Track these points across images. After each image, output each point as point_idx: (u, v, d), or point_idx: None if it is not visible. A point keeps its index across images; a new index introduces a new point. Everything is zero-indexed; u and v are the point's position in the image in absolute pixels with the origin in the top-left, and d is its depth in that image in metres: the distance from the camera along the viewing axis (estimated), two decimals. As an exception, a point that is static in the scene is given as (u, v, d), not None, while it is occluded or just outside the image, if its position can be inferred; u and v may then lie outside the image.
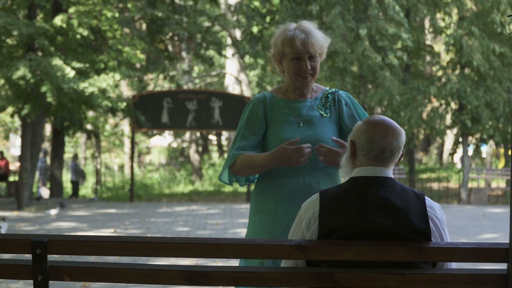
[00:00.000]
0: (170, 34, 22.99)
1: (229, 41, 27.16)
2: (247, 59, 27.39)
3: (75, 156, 25.40)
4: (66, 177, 27.84)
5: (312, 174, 3.24)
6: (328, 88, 3.40)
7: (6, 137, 37.52)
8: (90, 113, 25.81)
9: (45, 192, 22.51)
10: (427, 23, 26.58)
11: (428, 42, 25.67)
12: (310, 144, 3.18)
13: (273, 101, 3.34)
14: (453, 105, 22.91)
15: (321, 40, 3.28)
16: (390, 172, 2.64)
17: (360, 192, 2.57)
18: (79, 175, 24.12)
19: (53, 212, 15.61)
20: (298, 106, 3.32)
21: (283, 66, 3.32)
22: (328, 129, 3.30)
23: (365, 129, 2.65)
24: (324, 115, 3.32)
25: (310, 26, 3.30)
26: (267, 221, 3.25)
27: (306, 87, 3.30)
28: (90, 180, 29.69)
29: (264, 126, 3.32)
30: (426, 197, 2.60)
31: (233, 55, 27.15)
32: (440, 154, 38.73)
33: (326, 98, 3.37)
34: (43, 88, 16.31)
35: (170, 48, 24.29)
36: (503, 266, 2.39)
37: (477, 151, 24.14)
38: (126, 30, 19.90)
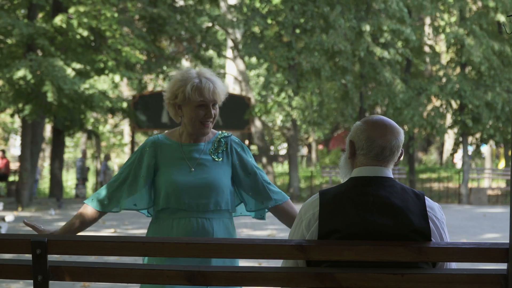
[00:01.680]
0: (171, 34, 23.00)
1: (229, 41, 27.14)
2: (247, 59, 27.38)
3: (107, 157, 24.90)
4: (66, 177, 27.82)
5: (204, 216, 3.24)
6: (220, 132, 3.43)
7: (6, 140, 37.51)
8: (90, 114, 25.77)
9: (80, 192, 22.45)
10: (427, 23, 26.57)
11: (429, 42, 25.67)
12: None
13: (166, 144, 3.35)
14: (454, 105, 22.91)
15: (223, 89, 3.33)
16: (389, 172, 2.64)
17: (360, 192, 2.56)
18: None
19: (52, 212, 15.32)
20: (190, 150, 3.32)
21: (181, 111, 3.31)
22: (220, 172, 3.30)
23: (364, 129, 2.64)
24: (216, 159, 3.32)
25: (211, 74, 3.34)
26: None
27: (205, 134, 3.33)
28: (90, 180, 29.67)
29: (152, 170, 3.31)
30: (425, 197, 2.59)
31: (235, 57, 27.14)
32: (440, 154, 38.73)
33: (219, 142, 3.38)
34: (44, 88, 16.31)
35: (170, 48, 24.28)
36: (503, 266, 2.39)
37: (477, 151, 24.13)
38: (126, 30, 19.91)
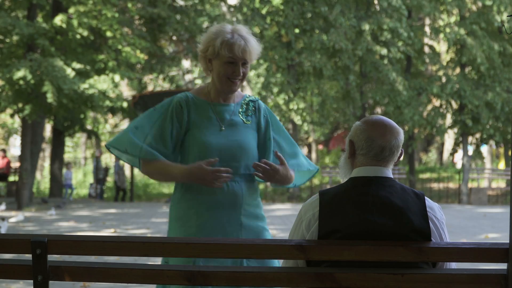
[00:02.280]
0: (171, 34, 22.99)
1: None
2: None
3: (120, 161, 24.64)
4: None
5: (234, 180, 3.17)
6: (247, 94, 3.35)
7: (6, 140, 37.51)
8: (91, 114, 25.78)
9: (94, 191, 22.39)
10: (427, 23, 26.58)
11: (429, 42, 25.68)
12: (230, 169, 3.13)
13: (196, 103, 3.25)
14: (454, 105, 22.92)
15: (256, 48, 3.26)
16: (389, 172, 2.64)
17: (360, 192, 2.56)
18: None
19: (17, 218, 14.43)
20: (221, 110, 3.25)
21: (211, 65, 3.23)
22: (249, 136, 3.24)
23: (364, 129, 2.64)
24: (246, 121, 3.27)
25: (246, 31, 3.27)
26: (191, 226, 3.15)
27: (232, 92, 3.25)
28: (89, 180, 29.68)
29: (183, 130, 3.22)
30: (425, 197, 2.59)
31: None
32: (440, 154, 38.73)
33: (247, 105, 3.31)
34: (44, 89, 16.31)
35: (170, 48, 24.27)
36: (503, 266, 2.39)
37: (477, 151, 24.14)
38: (126, 29, 19.91)
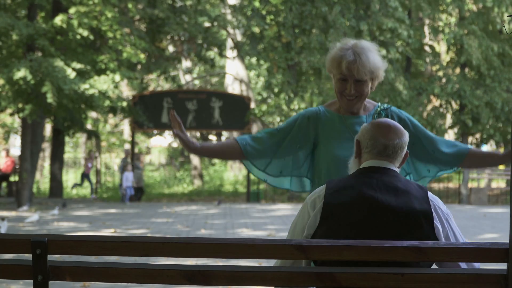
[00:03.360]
0: (171, 34, 23.00)
1: (229, 41, 27.16)
2: (247, 60, 27.38)
3: (136, 156, 24.05)
4: (66, 177, 27.80)
5: None
6: (379, 104, 3.30)
7: (6, 139, 37.50)
8: (91, 114, 25.77)
9: (124, 191, 22.20)
10: (427, 23, 26.58)
11: (428, 42, 25.68)
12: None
13: (327, 116, 3.23)
14: (454, 105, 22.92)
15: (371, 64, 3.13)
16: (394, 166, 2.74)
17: (366, 177, 2.68)
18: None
19: (34, 218, 14.37)
20: (352, 122, 3.21)
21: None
22: None
23: (369, 129, 2.76)
24: None
25: (365, 47, 3.17)
26: None
27: (350, 109, 3.20)
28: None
29: (310, 143, 3.21)
30: (429, 193, 2.66)
31: (234, 58, 27.15)
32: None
33: (379, 115, 3.26)
34: (44, 89, 16.31)
35: (171, 48, 24.29)
36: (503, 266, 2.39)
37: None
38: (126, 29, 19.90)
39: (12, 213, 16.01)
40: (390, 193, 2.62)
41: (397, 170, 2.72)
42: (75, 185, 24.50)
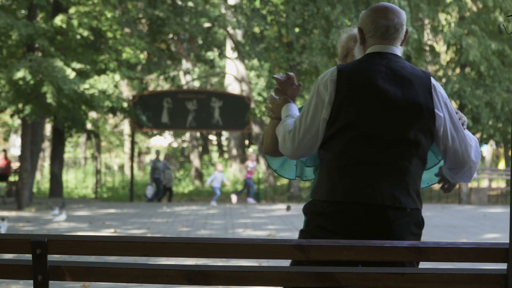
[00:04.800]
0: (171, 34, 22.99)
1: (229, 41, 27.17)
2: (248, 60, 27.36)
3: (167, 157, 23.55)
4: (66, 177, 27.80)
5: None
6: None
7: (6, 138, 37.52)
8: (91, 113, 25.77)
9: (149, 192, 22.08)
10: (426, 22, 26.59)
11: (428, 42, 25.67)
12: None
13: None
14: (454, 105, 22.93)
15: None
16: (398, 50, 2.89)
17: (374, 63, 2.82)
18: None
19: (61, 217, 14.39)
20: None
21: None
22: None
23: (368, 14, 2.89)
24: None
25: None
26: None
27: None
28: (90, 180, 29.70)
29: None
30: (430, 75, 2.86)
31: (235, 58, 27.14)
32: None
33: None
34: (44, 89, 16.31)
35: (172, 48, 24.30)
36: (503, 266, 2.39)
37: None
38: (127, 30, 19.90)
39: (12, 213, 16.02)
40: (398, 83, 2.78)
41: (400, 50, 2.90)
42: (239, 193, 22.01)
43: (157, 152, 23.32)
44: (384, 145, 2.74)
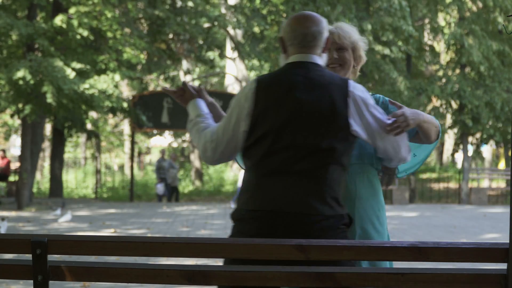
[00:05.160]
0: (171, 34, 22.99)
1: (229, 41, 27.17)
2: (247, 60, 27.36)
3: (173, 156, 23.52)
4: (66, 177, 27.81)
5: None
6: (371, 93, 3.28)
7: (7, 138, 37.52)
8: (91, 113, 25.77)
9: (159, 190, 22.07)
10: (426, 22, 26.61)
11: (428, 42, 25.68)
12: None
13: None
14: (454, 105, 22.92)
15: (351, 33, 3.22)
16: (319, 59, 2.91)
17: (293, 74, 2.86)
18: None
19: (66, 218, 14.34)
20: None
21: None
22: None
23: (288, 23, 2.94)
24: None
25: (343, 23, 3.30)
26: None
27: None
28: (90, 180, 29.70)
29: None
30: (351, 80, 2.87)
31: (234, 59, 27.12)
32: (441, 154, 38.75)
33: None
34: (44, 89, 16.31)
35: (173, 48, 24.30)
36: (503, 266, 2.39)
37: (477, 151, 24.14)
38: (127, 30, 19.89)
39: (12, 213, 16.02)
40: (315, 92, 2.81)
41: (321, 59, 2.91)
42: None
43: (163, 152, 23.26)
44: (299, 154, 2.78)
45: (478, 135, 23.25)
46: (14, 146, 40.40)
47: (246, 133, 2.86)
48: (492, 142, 24.74)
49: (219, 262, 7.98)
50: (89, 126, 24.66)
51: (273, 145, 2.81)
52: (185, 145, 41.71)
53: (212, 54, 28.42)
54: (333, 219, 2.74)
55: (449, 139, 32.71)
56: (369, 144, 2.98)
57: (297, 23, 2.90)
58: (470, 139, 23.52)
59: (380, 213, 3.09)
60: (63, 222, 13.91)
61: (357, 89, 2.86)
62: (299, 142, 2.79)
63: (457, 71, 22.79)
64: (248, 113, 2.85)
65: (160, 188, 21.63)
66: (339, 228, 2.75)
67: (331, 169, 2.79)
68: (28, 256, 2.45)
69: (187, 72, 29.67)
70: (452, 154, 24.96)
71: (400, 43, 22.02)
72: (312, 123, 2.79)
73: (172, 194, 22.02)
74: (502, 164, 30.51)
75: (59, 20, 17.09)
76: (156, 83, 28.09)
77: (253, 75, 31.86)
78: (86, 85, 16.97)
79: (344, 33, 3.20)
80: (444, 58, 26.37)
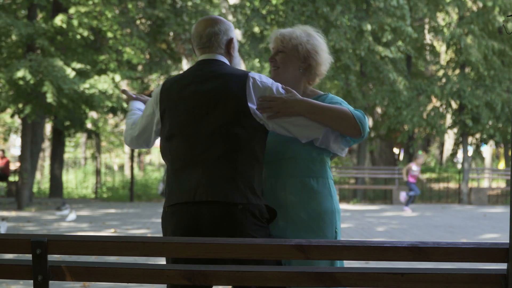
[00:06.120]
0: (171, 34, 22.98)
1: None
2: (247, 60, 27.34)
3: None
4: (66, 177, 27.80)
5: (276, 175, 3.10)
6: (321, 92, 3.27)
7: (6, 138, 37.52)
8: (91, 113, 25.76)
9: (160, 187, 22.07)
10: (426, 22, 26.62)
11: (428, 42, 25.67)
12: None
13: None
14: (454, 105, 22.92)
15: (299, 40, 3.20)
16: (221, 56, 3.04)
17: (193, 70, 3.03)
18: None
19: (72, 217, 14.34)
20: None
21: None
22: None
23: (193, 27, 3.12)
24: None
25: (307, 30, 3.27)
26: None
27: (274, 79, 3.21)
28: (90, 180, 29.69)
29: None
30: (253, 73, 2.95)
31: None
32: (441, 154, 38.74)
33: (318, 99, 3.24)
34: (44, 89, 16.31)
35: (174, 47, 24.29)
36: (503, 266, 2.39)
37: (477, 151, 24.13)
38: (127, 30, 19.89)
39: (12, 213, 16.02)
40: (212, 83, 2.93)
41: (224, 57, 3.04)
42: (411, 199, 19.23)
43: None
44: (203, 145, 2.88)
45: (478, 135, 23.24)
46: (14, 146, 40.41)
47: (159, 132, 3.06)
48: (492, 142, 24.74)
49: (219, 262, 7.94)
50: (89, 126, 24.64)
51: (179, 140, 2.93)
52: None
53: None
54: (249, 206, 2.80)
55: (449, 139, 32.70)
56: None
57: (196, 26, 3.08)
58: (470, 139, 23.51)
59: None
60: (70, 221, 13.94)
61: (257, 77, 2.94)
62: (202, 132, 2.88)
63: (457, 71, 22.79)
64: (157, 112, 3.03)
65: (161, 186, 21.72)
66: (254, 228, 2.79)
67: (240, 157, 2.85)
68: (28, 256, 2.45)
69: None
70: (452, 154, 24.95)
71: (400, 42, 22.01)
72: (211, 113, 2.89)
73: None
74: (502, 164, 30.51)
75: (59, 20, 17.09)
76: (157, 83, 28.08)
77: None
78: (86, 85, 16.97)
79: (283, 37, 3.23)
80: (444, 58, 26.36)
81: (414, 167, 19.32)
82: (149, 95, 3.32)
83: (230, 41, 3.06)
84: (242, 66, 3.04)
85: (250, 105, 2.88)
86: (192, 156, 2.88)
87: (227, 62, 3.04)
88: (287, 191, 3.03)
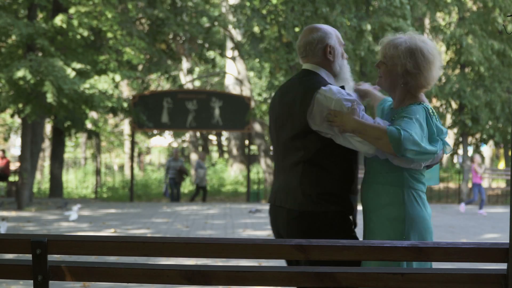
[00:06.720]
0: (171, 34, 22.99)
1: (229, 41, 27.18)
2: (249, 61, 27.36)
3: (202, 155, 23.52)
4: (67, 177, 27.80)
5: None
6: (415, 102, 3.26)
7: (6, 138, 37.53)
8: (91, 113, 25.77)
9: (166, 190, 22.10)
10: (427, 23, 26.62)
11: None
12: None
13: None
14: (453, 105, 22.92)
15: (391, 52, 3.52)
16: (315, 66, 3.23)
17: (290, 79, 3.28)
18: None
19: (73, 217, 14.38)
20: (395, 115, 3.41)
21: None
22: None
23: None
24: None
25: (410, 37, 3.60)
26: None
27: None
28: (90, 180, 29.71)
29: None
30: (325, 86, 3.11)
31: (234, 58, 27.11)
32: (440, 154, 38.74)
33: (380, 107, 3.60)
34: (44, 89, 16.31)
35: (174, 47, 24.31)
36: (503, 266, 2.39)
37: (477, 151, 24.13)
38: (127, 30, 19.89)
39: (12, 213, 16.02)
40: (291, 93, 3.17)
41: (318, 66, 3.21)
42: (470, 201, 18.46)
43: (175, 152, 22.99)
44: (281, 153, 3.22)
45: (477, 135, 23.24)
46: (14, 146, 40.41)
47: None
48: (491, 142, 24.73)
49: (219, 262, 7.91)
50: (89, 126, 24.65)
51: (273, 145, 3.31)
52: (185, 145, 41.73)
53: (212, 54, 28.43)
54: (306, 214, 3.07)
55: (449, 139, 32.71)
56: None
57: (299, 36, 3.31)
58: (469, 139, 23.51)
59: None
60: (72, 220, 13.97)
61: (325, 90, 3.09)
62: (280, 141, 3.21)
63: (457, 71, 22.78)
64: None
65: (164, 188, 21.74)
66: (311, 224, 3.05)
67: (307, 166, 3.10)
68: (28, 256, 2.45)
69: (190, 71, 29.69)
70: (452, 155, 24.94)
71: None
72: (285, 123, 3.17)
73: (198, 193, 22.04)
74: (502, 164, 30.52)
75: (59, 20, 17.09)
76: (156, 83, 28.11)
77: (252, 74, 31.87)
78: (87, 85, 16.98)
79: (386, 51, 3.45)
80: (444, 58, 26.36)
81: (479, 168, 18.11)
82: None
83: (325, 47, 3.23)
84: (347, 69, 3.08)
85: (310, 120, 3.08)
86: (277, 163, 3.26)
87: (321, 70, 3.22)
88: (368, 197, 3.18)
